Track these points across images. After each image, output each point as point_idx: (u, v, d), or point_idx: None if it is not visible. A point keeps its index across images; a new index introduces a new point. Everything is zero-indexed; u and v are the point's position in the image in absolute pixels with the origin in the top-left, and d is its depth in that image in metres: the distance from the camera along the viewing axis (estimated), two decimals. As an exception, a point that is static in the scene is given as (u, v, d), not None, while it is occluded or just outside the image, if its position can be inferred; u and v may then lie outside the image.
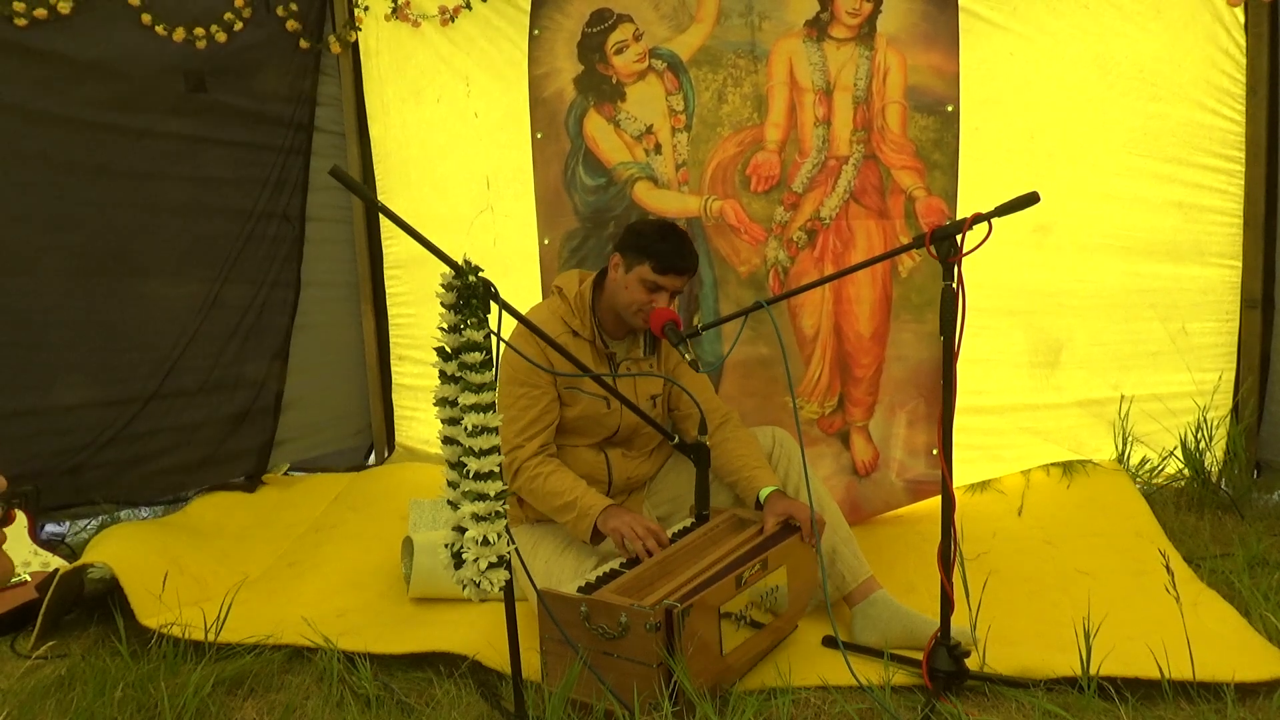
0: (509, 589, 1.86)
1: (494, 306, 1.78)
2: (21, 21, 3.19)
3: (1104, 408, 3.36)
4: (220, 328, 3.75)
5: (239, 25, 3.50)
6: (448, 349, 1.78)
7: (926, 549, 2.44)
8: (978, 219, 1.97)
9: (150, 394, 3.67)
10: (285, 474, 3.80)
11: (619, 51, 3.16)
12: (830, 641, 2.31)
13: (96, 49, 3.36)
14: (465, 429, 1.77)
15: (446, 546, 1.87)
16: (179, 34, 3.41)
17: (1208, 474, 3.23)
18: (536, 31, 3.23)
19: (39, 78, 3.32)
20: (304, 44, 3.65)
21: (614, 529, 2.28)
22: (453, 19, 3.58)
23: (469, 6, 3.54)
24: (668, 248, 2.40)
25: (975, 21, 3.12)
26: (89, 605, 2.63)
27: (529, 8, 3.25)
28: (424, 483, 3.47)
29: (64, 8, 3.23)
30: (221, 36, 3.49)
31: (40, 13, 3.21)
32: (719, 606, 2.04)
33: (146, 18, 3.38)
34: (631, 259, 2.43)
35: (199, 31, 3.43)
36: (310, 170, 3.82)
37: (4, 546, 1.22)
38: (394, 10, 3.63)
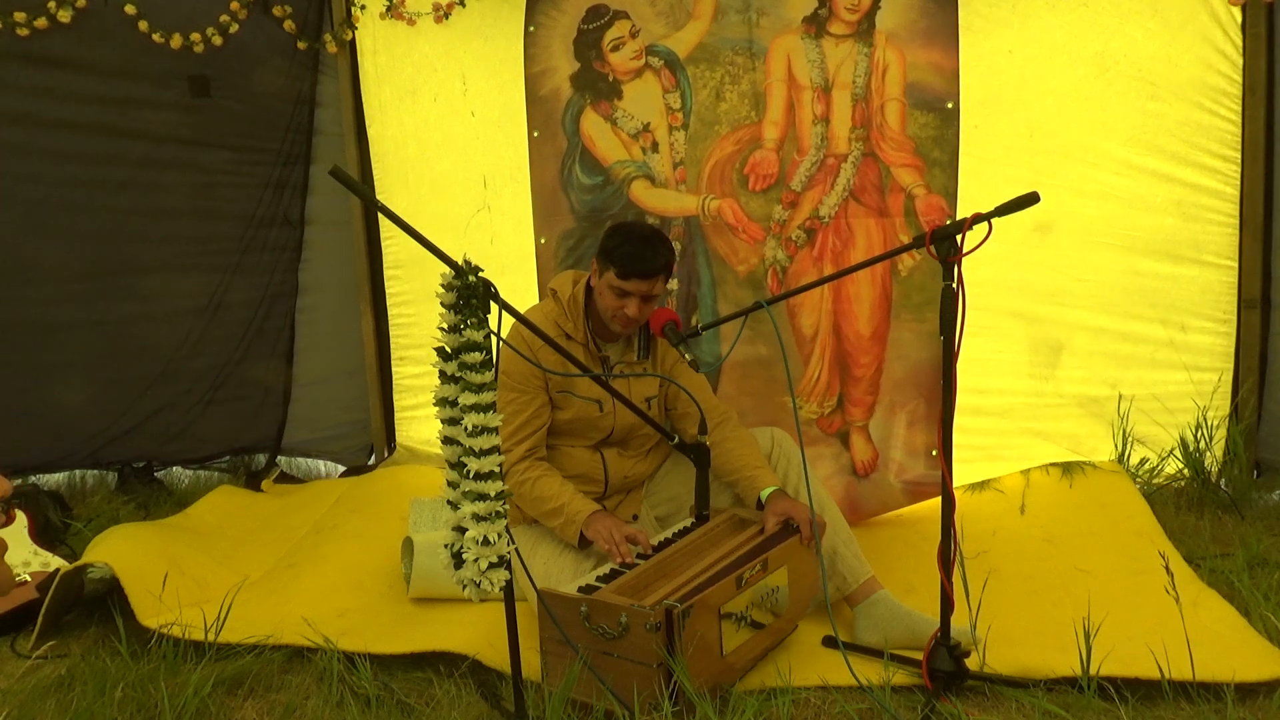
0: (509, 589, 1.86)
1: (494, 306, 1.78)
2: (24, 31, 3.20)
3: (1103, 407, 3.36)
4: (225, 329, 3.74)
5: (234, 28, 3.50)
6: (448, 349, 1.78)
7: (926, 549, 2.44)
8: (978, 219, 1.97)
9: (154, 396, 3.67)
10: (275, 481, 3.80)
11: (615, 48, 3.15)
12: (830, 641, 2.31)
13: (97, 55, 3.36)
14: (465, 429, 1.77)
15: (446, 546, 1.87)
16: (176, 40, 3.41)
17: (1208, 474, 3.24)
18: (532, 28, 3.22)
19: (42, 84, 3.33)
20: (301, 44, 3.65)
21: (595, 534, 2.30)
22: (447, 15, 3.57)
23: (462, 4, 3.53)
24: (628, 251, 2.35)
25: (975, 18, 3.11)
26: (89, 605, 2.63)
27: (524, 4, 3.24)
28: (424, 486, 3.46)
29: (64, 16, 3.24)
30: (218, 40, 3.49)
31: (41, 22, 3.22)
32: (719, 607, 2.04)
33: (144, 25, 3.38)
34: (601, 264, 2.41)
35: (195, 37, 3.44)
36: (310, 171, 3.82)
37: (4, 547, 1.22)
38: (389, 8, 3.62)
